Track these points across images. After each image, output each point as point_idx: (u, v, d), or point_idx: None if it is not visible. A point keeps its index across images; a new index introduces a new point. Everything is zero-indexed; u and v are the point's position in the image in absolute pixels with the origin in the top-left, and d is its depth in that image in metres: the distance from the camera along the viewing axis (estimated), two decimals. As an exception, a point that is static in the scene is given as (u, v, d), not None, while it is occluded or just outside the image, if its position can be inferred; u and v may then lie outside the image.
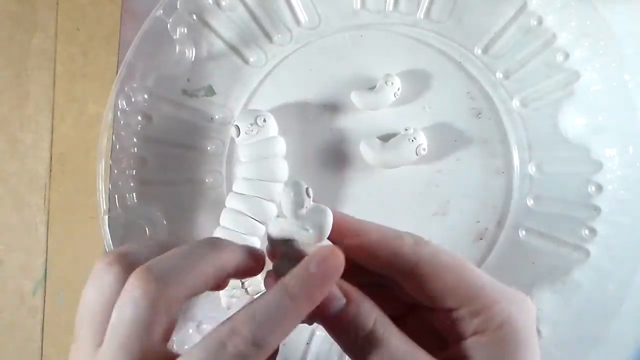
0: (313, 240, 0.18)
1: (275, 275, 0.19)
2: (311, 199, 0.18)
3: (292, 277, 0.16)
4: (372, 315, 0.17)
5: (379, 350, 0.16)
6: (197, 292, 0.17)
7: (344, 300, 0.17)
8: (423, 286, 0.18)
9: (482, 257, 0.33)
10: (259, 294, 0.20)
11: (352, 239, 0.18)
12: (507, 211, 0.33)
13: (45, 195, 0.36)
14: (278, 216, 0.20)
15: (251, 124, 0.31)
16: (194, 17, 0.34)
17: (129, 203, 0.33)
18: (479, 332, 0.17)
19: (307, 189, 0.18)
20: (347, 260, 0.17)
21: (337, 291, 0.17)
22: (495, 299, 0.17)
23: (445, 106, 0.33)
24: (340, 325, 0.17)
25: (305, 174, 0.33)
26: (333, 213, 0.18)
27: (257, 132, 0.32)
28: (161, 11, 0.33)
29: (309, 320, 0.18)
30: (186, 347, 0.33)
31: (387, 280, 0.19)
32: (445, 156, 0.33)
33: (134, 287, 0.16)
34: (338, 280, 0.17)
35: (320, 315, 0.17)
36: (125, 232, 0.33)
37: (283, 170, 0.33)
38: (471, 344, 0.17)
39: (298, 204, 0.18)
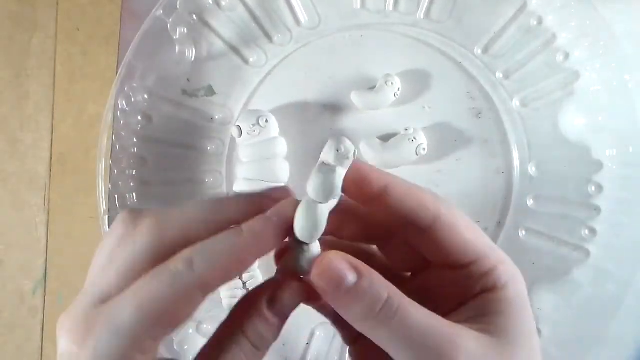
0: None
1: (282, 273, 0.19)
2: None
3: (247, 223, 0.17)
4: (384, 286, 0.17)
5: (396, 320, 0.16)
6: (227, 281, 0.18)
7: (355, 275, 0.17)
8: (440, 241, 0.18)
9: None
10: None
11: (378, 188, 0.18)
12: (507, 211, 0.33)
13: (45, 195, 0.36)
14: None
15: (253, 125, 0.31)
16: (194, 17, 0.34)
17: (129, 203, 0.33)
18: (487, 291, 0.18)
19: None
20: (359, 220, 0.18)
21: (346, 266, 0.17)
22: (502, 259, 0.18)
23: (445, 106, 0.33)
24: (354, 300, 0.17)
25: (305, 174, 0.33)
26: (358, 164, 0.18)
27: (259, 133, 0.32)
28: (161, 11, 0.33)
29: (323, 302, 0.18)
30: (186, 347, 0.33)
31: (397, 241, 0.19)
32: (445, 156, 0.33)
33: (177, 266, 0.16)
34: (346, 256, 0.17)
35: (334, 294, 0.17)
36: None
37: (284, 170, 0.33)
38: (479, 302, 0.18)
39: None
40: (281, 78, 0.34)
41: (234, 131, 0.32)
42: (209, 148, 0.34)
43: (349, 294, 0.17)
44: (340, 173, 0.18)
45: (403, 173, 0.31)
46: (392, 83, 0.32)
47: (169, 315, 0.16)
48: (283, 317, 0.18)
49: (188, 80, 0.34)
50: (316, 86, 0.34)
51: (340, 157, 0.18)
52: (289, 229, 0.18)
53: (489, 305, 0.17)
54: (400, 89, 0.33)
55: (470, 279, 0.18)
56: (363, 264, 0.17)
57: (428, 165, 0.33)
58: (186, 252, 0.17)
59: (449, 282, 0.18)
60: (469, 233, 0.18)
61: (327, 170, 0.18)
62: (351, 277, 0.17)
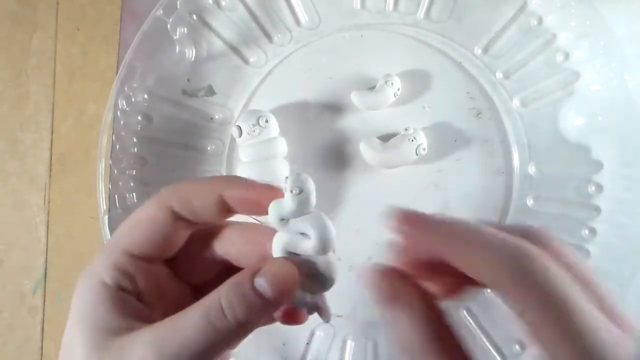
0: (315, 252, 0.18)
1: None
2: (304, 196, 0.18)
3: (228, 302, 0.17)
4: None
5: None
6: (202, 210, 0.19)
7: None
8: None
9: None
10: None
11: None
12: (507, 211, 0.33)
13: (45, 195, 0.36)
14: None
15: (253, 125, 0.31)
16: (194, 17, 0.34)
17: (129, 203, 0.33)
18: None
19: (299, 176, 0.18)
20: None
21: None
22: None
23: (445, 106, 0.33)
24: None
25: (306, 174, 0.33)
26: (421, 214, 0.19)
27: (259, 133, 0.31)
28: (161, 11, 0.33)
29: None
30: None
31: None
32: (445, 156, 0.33)
33: (151, 198, 0.19)
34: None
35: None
36: None
37: (284, 170, 0.32)
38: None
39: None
40: (281, 78, 0.34)
41: (234, 131, 0.32)
42: (209, 148, 0.34)
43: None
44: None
45: (403, 173, 0.33)
46: (392, 83, 0.32)
47: None
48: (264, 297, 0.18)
49: (188, 80, 0.34)
50: (316, 86, 0.34)
51: (298, 199, 0.18)
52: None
53: None
54: (400, 89, 0.33)
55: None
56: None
57: (428, 165, 0.33)
58: None
59: None
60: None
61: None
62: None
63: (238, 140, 0.32)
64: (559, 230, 0.32)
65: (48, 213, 0.36)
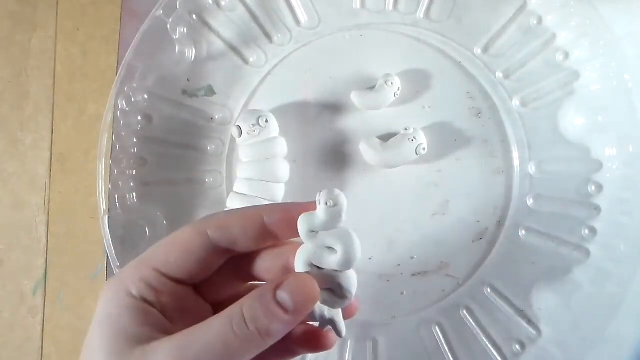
0: (339, 266, 0.19)
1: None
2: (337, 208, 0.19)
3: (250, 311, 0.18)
4: None
5: None
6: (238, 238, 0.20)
7: None
8: None
9: (482, 258, 0.33)
10: None
11: None
12: (507, 211, 0.33)
13: (45, 195, 0.36)
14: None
15: (253, 125, 0.31)
16: (194, 17, 0.34)
17: (129, 203, 0.33)
18: None
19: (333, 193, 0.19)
20: None
21: None
22: None
23: (445, 106, 0.33)
24: None
25: (305, 174, 0.33)
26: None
27: (259, 133, 0.31)
28: (161, 11, 0.33)
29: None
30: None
31: None
32: (445, 156, 0.33)
33: (188, 225, 0.20)
34: None
35: None
36: (125, 232, 0.33)
37: (284, 171, 0.32)
38: None
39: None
40: (281, 78, 0.34)
41: (234, 131, 0.32)
42: (209, 148, 0.34)
43: None
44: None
45: (403, 173, 0.33)
46: (392, 83, 0.32)
47: None
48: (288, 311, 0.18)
49: (188, 80, 0.34)
50: (316, 86, 0.34)
51: (330, 211, 0.18)
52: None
53: None
54: (400, 89, 0.33)
55: None
56: None
57: (428, 165, 0.33)
58: None
59: None
60: None
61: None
62: None
63: (238, 140, 0.32)
64: (558, 230, 0.32)
65: (48, 213, 0.36)
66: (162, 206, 0.34)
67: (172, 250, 0.19)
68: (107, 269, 0.35)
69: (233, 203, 0.32)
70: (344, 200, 0.19)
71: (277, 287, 0.18)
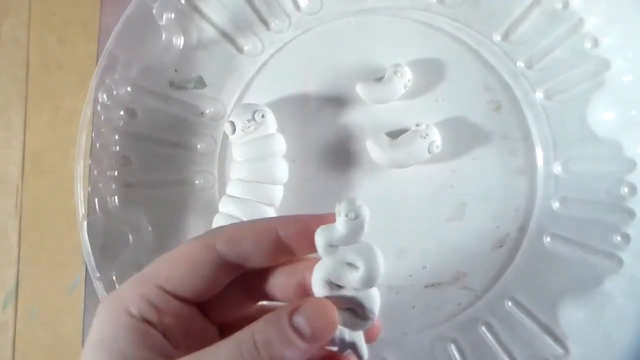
0: (360, 284, 0.18)
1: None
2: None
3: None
4: None
5: None
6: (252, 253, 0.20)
7: None
8: None
9: (502, 267, 0.32)
10: None
11: None
12: (530, 215, 0.32)
13: (17, 199, 0.35)
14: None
15: (248, 120, 0.31)
16: (182, 1, 0.33)
17: (110, 207, 0.33)
18: None
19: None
20: None
21: None
22: None
23: (461, 99, 0.32)
24: None
25: (306, 175, 0.33)
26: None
27: (254, 129, 0.31)
28: (146, -6, 0.33)
29: None
30: None
31: None
32: (460, 154, 0.32)
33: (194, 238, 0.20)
34: None
35: None
36: (105, 239, 0.32)
37: (282, 171, 0.32)
38: None
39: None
40: (279, 68, 0.33)
41: (227, 127, 0.31)
42: (199, 146, 0.34)
43: None
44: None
45: (414, 173, 0.32)
46: (401, 74, 0.31)
47: None
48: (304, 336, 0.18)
49: (176, 70, 0.33)
50: (318, 77, 0.33)
51: (350, 223, 0.18)
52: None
53: None
54: (410, 80, 0.32)
55: None
56: None
57: (441, 165, 0.32)
58: None
59: None
60: None
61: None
62: None
63: (231, 137, 0.32)
64: (588, 237, 0.31)
65: (20, 219, 0.35)
66: (147, 210, 0.33)
67: (176, 265, 0.19)
68: (86, 280, 0.35)
69: (226, 207, 0.32)
70: (366, 212, 0.18)
71: (294, 311, 0.17)
